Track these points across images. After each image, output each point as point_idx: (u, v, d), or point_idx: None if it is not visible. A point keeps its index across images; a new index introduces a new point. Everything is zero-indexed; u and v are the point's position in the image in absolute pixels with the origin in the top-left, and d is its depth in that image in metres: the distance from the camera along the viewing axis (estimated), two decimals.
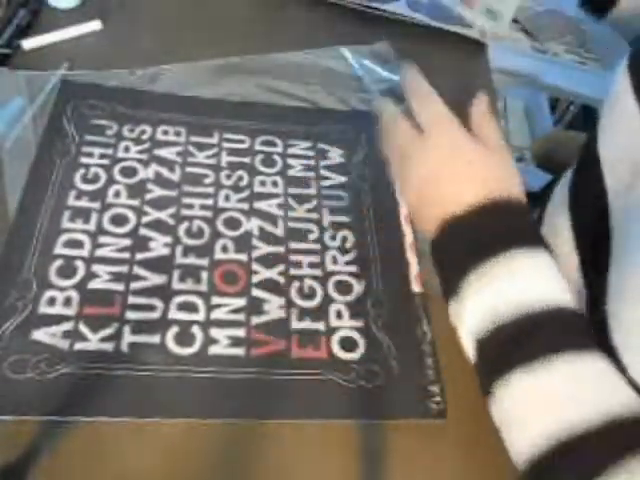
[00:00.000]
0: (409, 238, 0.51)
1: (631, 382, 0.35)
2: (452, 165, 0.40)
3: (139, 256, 0.46)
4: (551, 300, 0.36)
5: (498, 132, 0.43)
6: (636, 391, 0.35)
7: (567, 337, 0.36)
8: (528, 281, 0.37)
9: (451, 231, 0.39)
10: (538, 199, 0.75)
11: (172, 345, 0.42)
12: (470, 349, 0.38)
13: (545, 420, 0.34)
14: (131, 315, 0.43)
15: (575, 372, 0.34)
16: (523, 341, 0.35)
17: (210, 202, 0.50)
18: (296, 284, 0.47)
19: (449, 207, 0.39)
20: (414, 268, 0.49)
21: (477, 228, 0.38)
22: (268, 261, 0.47)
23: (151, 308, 0.43)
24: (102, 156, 0.51)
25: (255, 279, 0.46)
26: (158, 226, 0.48)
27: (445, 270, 0.40)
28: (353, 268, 0.48)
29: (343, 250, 0.49)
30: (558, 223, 0.48)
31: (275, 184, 0.53)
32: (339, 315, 0.46)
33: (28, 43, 0.58)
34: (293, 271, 0.47)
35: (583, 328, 0.37)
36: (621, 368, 0.36)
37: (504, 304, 0.36)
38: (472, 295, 0.37)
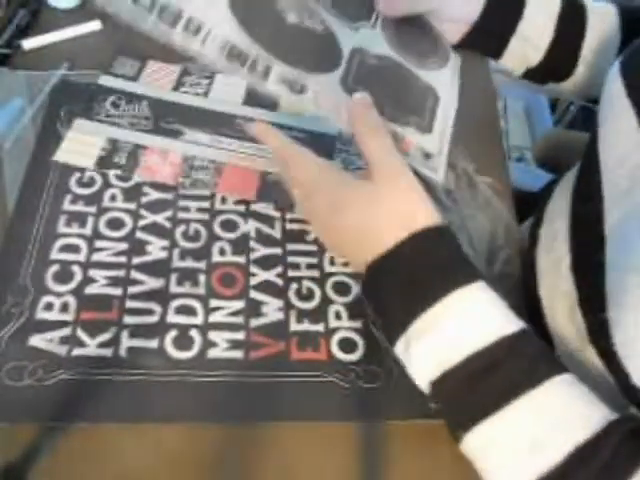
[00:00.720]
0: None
1: (633, 389, 0.35)
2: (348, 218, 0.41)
3: (136, 260, 0.46)
4: (498, 334, 0.36)
5: (387, 144, 0.40)
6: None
7: (523, 372, 0.35)
8: (472, 321, 0.37)
9: (380, 271, 0.39)
10: (538, 199, 0.75)
11: (171, 349, 0.42)
12: (424, 389, 0.38)
13: (514, 470, 0.35)
14: (129, 320, 0.43)
15: (538, 410, 0.35)
16: (477, 386, 0.35)
17: (207, 204, 0.50)
18: (294, 286, 0.47)
19: (370, 250, 0.40)
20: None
21: (407, 268, 0.39)
22: (266, 263, 0.47)
23: (149, 312, 0.43)
24: None
25: (253, 281, 0.46)
26: (155, 229, 0.48)
27: (384, 314, 0.40)
28: (351, 269, 0.48)
29: None
30: (557, 226, 0.48)
31: None
32: (338, 316, 0.46)
33: (28, 43, 0.58)
34: (291, 273, 0.47)
35: (537, 354, 0.37)
36: (623, 375, 0.35)
37: (452, 348, 0.36)
38: (418, 340, 0.37)
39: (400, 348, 0.38)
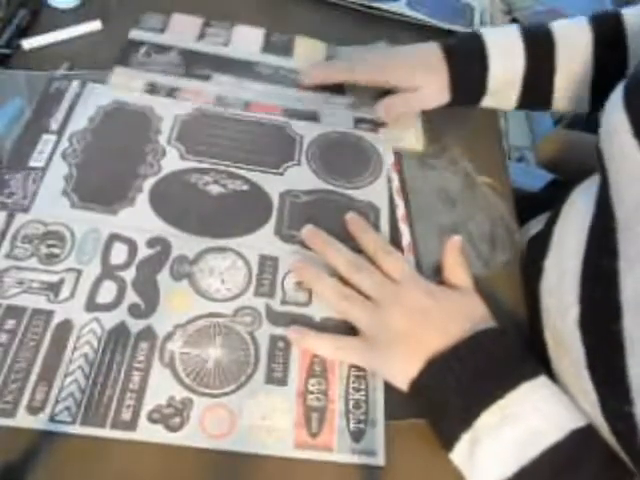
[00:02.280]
0: (406, 239, 0.51)
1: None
2: (429, 312, 0.42)
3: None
4: (571, 428, 0.37)
5: (468, 277, 0.45)
6: None
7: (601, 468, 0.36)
8: (544, 414, 0.37)
9: (441, 369, 0.39)
10: (538, 199, 0.75)
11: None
12: None
13: None
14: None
15: None
16: None
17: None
18: None
19: (432, 346, 0.40)
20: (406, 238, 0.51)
21: (473, 362, 0.39)
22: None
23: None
24: None
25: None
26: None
27: (442, 411, 0.39)
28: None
29: None
30: (566, 267, 0.44)
31: None
32: None
33: (28, 43, 0.59)
34: None
35: (606, 448, 0.37)
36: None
37: (528, 442, 0.36)
38: (489, 435, 0.37)
39: (464, 446, 0.38)
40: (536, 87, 0.57)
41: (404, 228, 0.52)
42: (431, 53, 0.57)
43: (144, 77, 0.58)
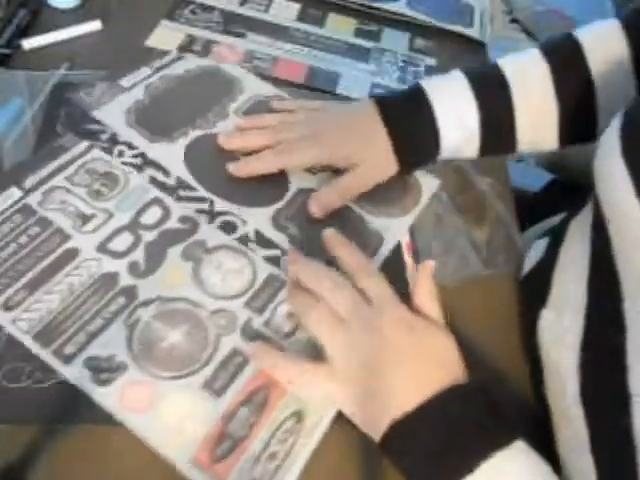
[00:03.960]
0: (405, 239, 0.51)
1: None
2: (396, 349, 0.38)
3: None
4: None
5: (438, 310, 0.41)
6: None
7: None
8: None
9: (407, 432, 0.35)
10: (538, 199, 0.75)
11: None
12: None
13: None
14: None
15: None
16: None
17: (205, 206, 0.50)
18: None
19: (399, 398, 0.36)
20: (412, 269, 0.49)
21: (441, 428, 0.35)
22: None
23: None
24: None
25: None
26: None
27: (410, 476, 0.36)
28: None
29: None
30: (566, 323, 0.41)
31: None
32: None
33: (28, 43, 0.59)
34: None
35: None
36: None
37: None
38: None
39: None
40: (497, 137, 0.51)
41: (408, 260, 0.50)
42: (366, 119, 0.50)
43: (185, 30, 0.65)
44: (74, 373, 0.39)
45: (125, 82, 0.56)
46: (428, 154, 0.51)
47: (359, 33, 0.70)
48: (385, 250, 0.49)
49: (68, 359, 0.39)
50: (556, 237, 0.47)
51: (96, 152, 0.51)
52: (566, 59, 0.51)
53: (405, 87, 0.52)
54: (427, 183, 0.54)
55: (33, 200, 0.47)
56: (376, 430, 0.37)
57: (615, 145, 0.35)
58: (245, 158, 0.51)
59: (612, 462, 0.34)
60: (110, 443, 0.37)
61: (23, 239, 0.44)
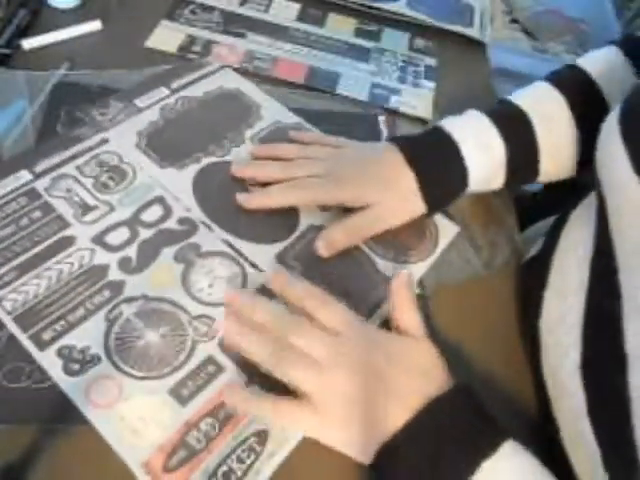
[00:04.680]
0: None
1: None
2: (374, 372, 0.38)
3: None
4: None
5: (418, 319, 0.41)
6: None
7: None
8: None
9: (394, 454, 0.35)
10: (538, 199, 0.75)
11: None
12: None
13: None
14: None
15: None
16: None
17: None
18: None
19: (388, 421, 0.36)
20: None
21: (429, 445, 0.35)
22: None
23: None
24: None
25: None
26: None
27: None
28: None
29: None
30: (569, 304, 0.42)
31: None
32: None
33: (28, 43, 0.58)
34: None
35: None
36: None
37: None
38: None
39: None
40: (522, 169, 0.51)
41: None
42: (389, 161, 0.49)
43: (185, 30, 0.64)
44: (46, 361, 0.39)
45: (140, 102, 0.55)
46: (456, 190, 0.50)
47: (359, 33, 0.70)
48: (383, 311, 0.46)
49: (44, 345, 0.40)
50: (556, 226, 0.47)
51: (109, 145, 0.51)
52: (578, 87, 0.51)
53: (404, 86, 0.52)
54: (445, 230, 0.52)
55: (41, 185, 0.48)
56: (368, 456, 0.37)
57: (615, 130, 0.37)
58: (254, 190, 0.50)
59: (610, 424, 0.35)
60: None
61: (24, 221, 0.45)
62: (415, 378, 0.38)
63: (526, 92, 0.53)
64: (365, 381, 0.37)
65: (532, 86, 0.53)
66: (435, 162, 0.49)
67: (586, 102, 0.50)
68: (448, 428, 0.36)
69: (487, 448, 0.35)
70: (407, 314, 0.41)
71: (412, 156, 0.48)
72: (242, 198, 0.49)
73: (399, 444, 0.35)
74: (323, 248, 0.47)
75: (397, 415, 0.36)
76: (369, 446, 0.36)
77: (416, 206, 0.48)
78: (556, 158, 0.51)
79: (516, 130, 0.50)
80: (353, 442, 0.37)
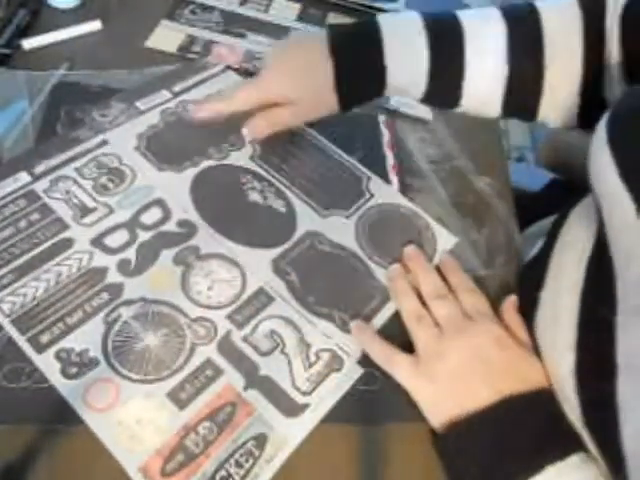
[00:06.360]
0: (390, 161, 0.51)
1: None
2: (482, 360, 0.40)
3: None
4: None
5: (528, 338, 0.43)
6: None
7: None
8: None
9: (466, 435, 0.38)
10: (538, 199, 0.75)
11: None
12: None
13: None
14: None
15: None
16: None
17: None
18: None
19: (477, 400, 0.39)
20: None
21: (498, 434, 0.38)
22: None
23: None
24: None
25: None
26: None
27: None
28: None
29: None
30: (564, 303, 0.42)
31: None
32: None
33: (28, 43, 0.59)
34: None
35: None
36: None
37: None
38: None
39: None
40: (443, 87, 0.50)
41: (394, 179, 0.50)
42: (315, 50, 0.49)
43: (185, 30, 0.65)
44: (43, 364, 0.39)
45: (142, 104, 0.55)
46: (372, 90, 0.50)
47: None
48: (391, 307, 0.46)
49: (42, 348, 0.39)
50: (556, 226, 0.47)
51: (109, 147, 0.51)
52: (522, 20, 0.49)
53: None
54: (443, 240, 0.51)
55: (40, 187, 0.47)
56: (442, 424, 0.39)
57: (603, 135, 0.37)
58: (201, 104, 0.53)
59: (601, 430, 0.35)
60: None
61: (22, 224, 0.45)
62: (518, 386, 0.39)
63: (474, 12, 0.50)
64: (477, 367, 0.40)
65: (485, 9, 0.50)
66: (356, 56, 0.49)
67: (524, 38, 0.48)
68: (523, 423, 0.38)
69: (556, 454, 0.36)
70: (520, 334, 0.43)
71: (337, 47, 0.48)
72: (195, 107, 0.53)
73: (475, 422, 0.38)
74: (248, 134, 0.52)
75: (484, 397, 0.38)
76: (449, 412, 0.39)
77: (329, 105, 0.50)
78: (480, 89, 0.50)
79: (447, 50, 0.48)
80: (437, 403, 0.40)
